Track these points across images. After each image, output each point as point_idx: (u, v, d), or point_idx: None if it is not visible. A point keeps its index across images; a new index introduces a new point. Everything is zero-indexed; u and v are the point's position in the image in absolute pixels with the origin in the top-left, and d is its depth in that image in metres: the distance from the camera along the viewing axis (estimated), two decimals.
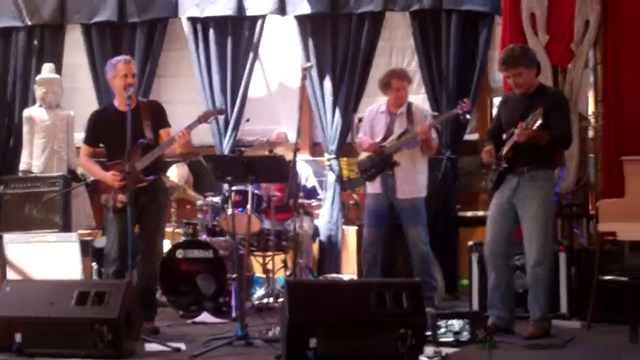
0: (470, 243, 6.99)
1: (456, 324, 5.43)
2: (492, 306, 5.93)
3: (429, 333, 5.24)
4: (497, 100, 8.22)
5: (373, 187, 7.14)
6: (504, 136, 5.93)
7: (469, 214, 8.29)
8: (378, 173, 7.06)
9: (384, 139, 7.08)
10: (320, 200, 8.25)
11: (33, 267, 6.88)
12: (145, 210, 5.92)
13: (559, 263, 6.47)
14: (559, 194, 7.09)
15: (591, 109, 7.45)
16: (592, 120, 7.40)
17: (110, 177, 6.00)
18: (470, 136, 8.58)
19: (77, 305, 5.06)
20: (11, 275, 6.89)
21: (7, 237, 7.12)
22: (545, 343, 5.43)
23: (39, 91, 8.34)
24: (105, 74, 6.29)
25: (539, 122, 5.46)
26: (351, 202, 8.44)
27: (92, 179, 6.53)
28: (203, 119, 6.03)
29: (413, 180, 7.03)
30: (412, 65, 8.74)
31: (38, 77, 8.45)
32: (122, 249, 5.88)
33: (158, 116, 6.15)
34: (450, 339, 5.37)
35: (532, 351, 5.26)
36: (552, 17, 7.34)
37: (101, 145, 6.28)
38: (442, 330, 5.41)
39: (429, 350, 4.97)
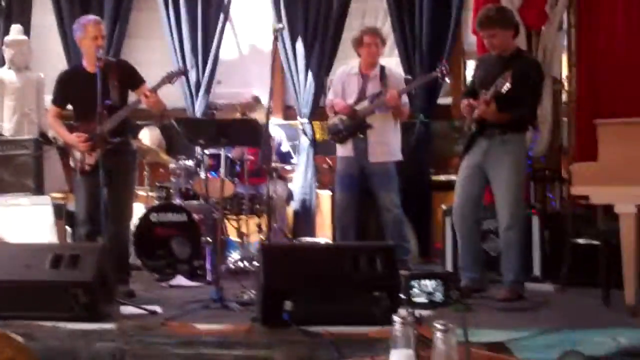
0: (443, 207, 7.02)
1: (429, 284, 5.41)
2: (463, 269, 5.97)
3: (402, 295, 5.27)
4: (470, 63, 8.24)
5: (344, 150, 7.08)
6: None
7: (443, 178, 8.30)
8: (350, 136, 7.00)
9: (357, 101, 7.02)
10: (293, 164, 8.23)
11: (6, 231, 6.82)
12: (113, 172, 5.81)
13: (532, 226, 6.50)
14: (532, 157, 7.12)
15: (565, 72, 7.47)
16: (566, 83, 7.43)
17: (74, 139, 5.98)
18: (444, 100, 8.58)
19: (52, 268, 5.02)
20: None
21: None
22: (518, 306, 5.47)
23: (7, 53, 8.20)
24: (73, 34, 6.20)
25: (506, 85, 5.38)
26: (324, 165, 8.43)
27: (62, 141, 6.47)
28: (167, 79, 6.00)
29: (386, 143, 6.98)
30: (384, 27, 8.70)
31: (6, 39, 8.30)
32: (91, 211, 5.91)
33: (128, 76, 6.08)
34: (424, 300, 5.38)
35: (506, 313, 5.29)
36: None
37: (69, 106, 6.23)
38: (416, 290, 5.41)
39: (402, 311, 4.98)
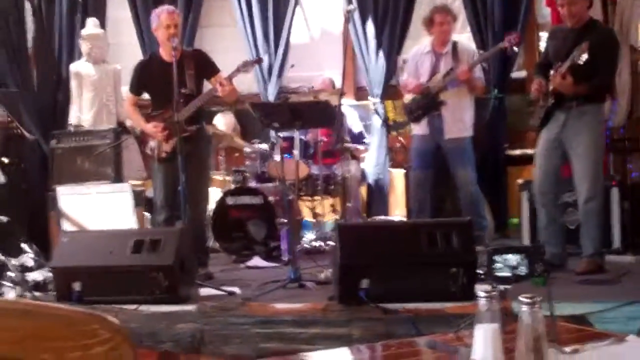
0: (519, 181, 6.93)
1: (513, 258, 5.37)
2: (544, 243, 5.88)
3: (481, 271, 5.23)
4: (544, 35, 8.09)
5: (420, 129, 7.09)
6: (552, 71, 5.81)
7: (518, 152, 8.20)
8: (425, 114, 7.00)
9: (430, 79, 7.00)
10: (366, 144, 8.23)
11: (87, 218, 6.99)
12: (188, 158, 5.89)
13: (612, 198, 6.38)
14: (611, 128, 6.98)
15: None
16: None
17: (151, 128, 6.10)
18: (518, 74, 8.44)
19: (133, 253, 5.14)
20: (66, 226, 7.00)
21: (61, 189, 7.21)
22: (598, 278, 5.38)
23: (84, 46, 8.37)
24: (149, 25, 6.32)
25: (584, 56, 5.31)
26: (397, 144, 8.40)
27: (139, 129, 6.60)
28: (242, 68, 6.06)
29: (460, 119, 6.97)
30: (456, 3, 8.62)
31: (83, 33, 8.48)
32: (168, 197, 6.07)
33: (203, 65, 6.17)
34: (508, 274, 5.33)
35: (586, 286, 5.21)
36: None
37: (145, 95, 6.36)
38: (499, 265, 5.37)
39: (485, 286, 4.96)
